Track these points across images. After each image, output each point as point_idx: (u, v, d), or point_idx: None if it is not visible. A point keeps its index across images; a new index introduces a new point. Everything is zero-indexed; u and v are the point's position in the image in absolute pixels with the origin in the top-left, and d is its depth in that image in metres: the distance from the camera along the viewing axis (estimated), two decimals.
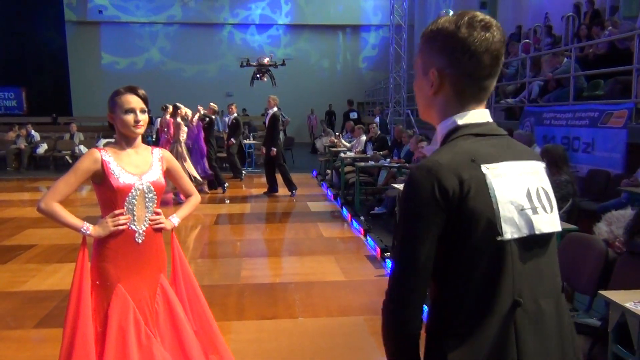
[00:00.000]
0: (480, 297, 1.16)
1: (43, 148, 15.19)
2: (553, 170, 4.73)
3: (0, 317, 4.29)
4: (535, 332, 1.17)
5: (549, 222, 1.22)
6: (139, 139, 2.50)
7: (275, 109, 9.97)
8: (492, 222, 1.14)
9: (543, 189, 1.24)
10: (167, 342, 2.49)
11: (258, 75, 16.23)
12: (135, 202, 2.40)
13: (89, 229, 2.37)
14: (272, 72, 16.50)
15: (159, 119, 11.86)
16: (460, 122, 1.24)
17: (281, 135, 11.98)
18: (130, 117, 2.37)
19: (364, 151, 10.29)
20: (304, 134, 22.21)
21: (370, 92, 21.62)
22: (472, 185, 1.14)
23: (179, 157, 9.51)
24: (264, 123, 10.64)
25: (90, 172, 2.37)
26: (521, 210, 1.18)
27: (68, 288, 4.86)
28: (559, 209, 4.63)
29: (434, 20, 1.28)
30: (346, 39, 23.67)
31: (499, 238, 1.15)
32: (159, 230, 2.53)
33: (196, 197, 2.78)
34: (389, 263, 5.62)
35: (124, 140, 2.45)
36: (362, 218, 7.57)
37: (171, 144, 9.74)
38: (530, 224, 1.18)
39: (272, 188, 10.16)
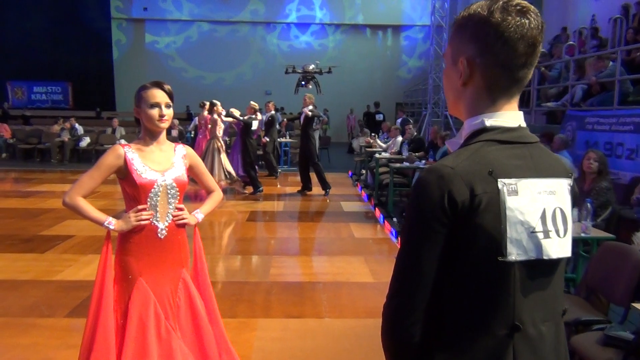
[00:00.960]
0: (477, 315, 1.11)
1: (86, 141, 15.59)
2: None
3: (35, 304, 4.41)
4: (533, 357, 1.12)
5: (559, 247, 1.15)
6: (164, 134, 2.53)
7: (310, 107, 9.98)
8: (497, 241, 1.08)
9: (561, 210, 1.16)
10: (187, 337, 2.51)
11: (303, 83, 16.02)
12: (158, 199, 2.43)
13: (112, 223, 2.40)
14: (318, 79, 16.28)
15: (196, 117, 12.02)
16: (489, 123, 1.15)
17: (317, 134, 11.99)
18: (155, 111, 2.40)
19: (400, 152, 10.20)
20: (342, 133, 22.20)
21: (409, 93, 21.44)
22: (484, 200, 1.07)
23: (215, 152, 9.61)
24: (300, 121, 10.64)
25: (113, 168, 2.40)
26: (531, 233, 1.11)
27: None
28: (598, 216, 4.49)
29: (466, 8, 1.18)
30: (386, 39, 23.52)
31: (501, 259, 1.09)
32: (182, 225, 2.55)
33: (218, 193, 2.80)
34: None
35: (149, 134, 2.47)
36: (394, 219, 7.49)
37: (208, 140, 9.86)
38: (539, 248, 1.12)
39: (306, 187, 10.16)
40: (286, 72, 16.23)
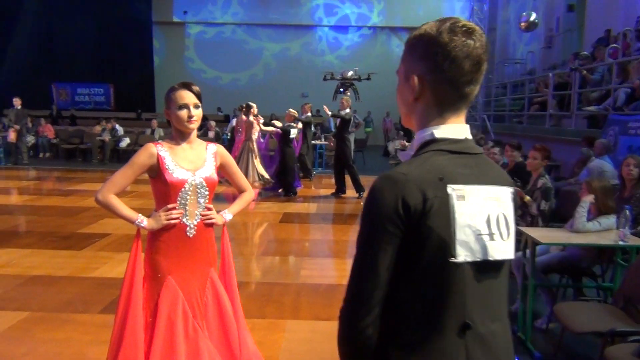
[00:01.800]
0: (430, 314, 1.16)
1: (125, 142, 15.94)
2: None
3: (70, 300, 4.52)
4: (485, 354, 1.18)
5: (503, 249, 1.22)
6: (194, 134, 2.54)
7: (347, 110, 9.96)
8: (447, 243, 1.14)
9: (504, 215, 1.23)
10: (214, 336, 2.52)
11: (342, 90, 15.79)
12: (188, 197, 2.44)
13: (143, 221, 2.42)
14: (357, 86, 16.05)
15: (234, 119, 12.15)
16: (438, 134, 1.23)
17: (352, 137, 11.94)
18: (183, 113, 2.42)
19: None
20: (379, 136, 22.09)
21: None
22: (435, 204, 1.14)
23: (250, 153, 9.67)
24: (336, 124, 10.63)
25: (146, 166, 2.43)
26: (478, 235, 1.18)
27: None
28: (638, 223, 4.33)
29: (417, 29, 1.27)
30: None
31: (452, 260, 1.15)
32: (210, 225, 2.56)
33: (249, 193, 2.80)
34: None
35: (179, 135, 2.50)
36: None
37: (243, 141, 9.94)
38: (485, 249, 1.18)
39: (340, 189, 10.15)
40: (324, 79, 16.11)
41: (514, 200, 1.28)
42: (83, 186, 11.02)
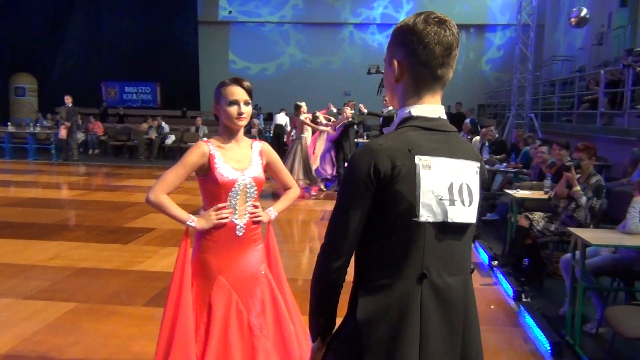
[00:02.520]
0: (394, 265, 1.37)
1: (171, 139, 16.23)
2: None
3: (116, 293, 4.62)
4: (440, 301, 1.38)
5: (463, 214, 1.40)
6: (241, 131, 2.51)
7: (390, 108, 9.87)
8: (412, 205, 1.34)
9: (467, 185, 1.42)
10: (271, 335, 2.48)
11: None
12: (238, 197, 2.42)
13: (194, 221, 2.39)
14: None
15: (276, 116, 12.21)
16: (414, 112, 1.42)
17: None
18: (233, 109, 2.38)
19: (480, 154, 9.88)
20: None
21: (492, 94, 20.78)
22: (403, 171, 1.33)
23: (298, 152, 9.68)
24: (379, 123, 10.55)
25: (198, 165, 2.39)
26: (439, 200, 1.36)
27: None
28: None
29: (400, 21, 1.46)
30: (470, 39, 22.92)
31: (414, 219, 1.34)
32: (257, 222, 2.53)
33: (295, 191, 2.76)
34: (496, 272, 5.34)
35: (227, 132, 2.46)
36: None
37: (292, 140, 9.99)
38: (445, 212, 1.37)
39: None
40: (368, 73, 15.99)
41: (481, 174, 1.47)
42: (130, 182, 11.28)
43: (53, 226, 7.02)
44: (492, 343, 3.94)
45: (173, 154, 16.08)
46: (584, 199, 4.63)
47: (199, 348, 2.34)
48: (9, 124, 16.56)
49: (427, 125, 1.40)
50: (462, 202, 1.40)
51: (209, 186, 2.42)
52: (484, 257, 5.91)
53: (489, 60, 22.71)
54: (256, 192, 2.49)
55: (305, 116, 9.98)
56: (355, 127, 12.27)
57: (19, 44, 20.72)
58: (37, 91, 21.24)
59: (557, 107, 12.91)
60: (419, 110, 1.42)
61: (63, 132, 14.59)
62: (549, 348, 3.68)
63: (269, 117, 19.90)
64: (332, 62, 22.99)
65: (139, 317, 4.14)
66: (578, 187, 4.65)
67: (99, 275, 5.04)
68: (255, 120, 15.92)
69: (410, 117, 1.42)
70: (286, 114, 15.30)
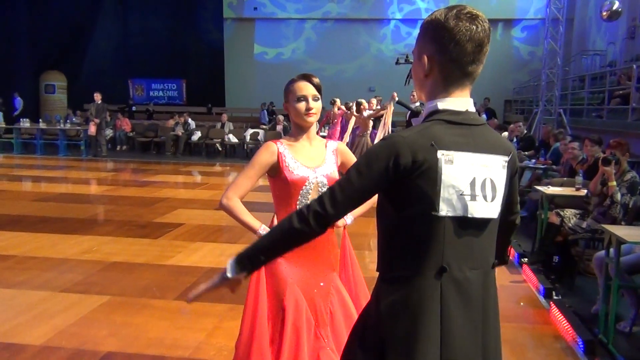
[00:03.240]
0: (413, 256, 1.38)
1: (197, 135, 16.37)
2: None
3: (147, 286, 4.69)
4: (459, 295, 1.38)
5: (485, 209, 1.40)
6: (314, 130, 2.42)
7: (417, 104, 9.82)
8: (432, 199, 1.35)
9: (492, 180, 1.42)
10: (340, 347, 2.30)
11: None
12: (309, 196, 2.32)
13: (266, 230, 2.27)
14: None
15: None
16: (441, 106, 1.42)
17: None
18: (302, 105, 2.30)
19: None
20: None
21: (519, 89, 20.52)
22: (424, 166, 1.34)
23: (364, 148, 9.68)
24: (406, 117, 10.51)
25: (268, 165, 2.32)
26: (460, 195, 1.37)
27: (208, 266, 5.18)
28: None
29: (430, 14, 1.43)
30: (497, 34, 22.63)
31: (434, 213, 1.35)
32: (332, 226, 2.36)
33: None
34: (525, 269, 5.29)
35: (298, 129, 2.39)
36: None
37: (359, 137, 9.97)
38: (465, 207, 1.38)
39: None
40: (397, 63, 15.82)
41: (509, 167, 1.46)
42: (157, 177, 11.42)
43: (85, 221, 7.15)
44: (522, 340, 3.92)
45: (199, 150, 16.24)
46: (619, 195, 4.55)
47: (273, 350, 2.27)
48: (40, 120, 16.91)
49: (453, 119, 1.40)
50: (485, 197, 1.40)
51: (280, 186, 2.33)
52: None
53: (517, 55, 22.40)
54: None
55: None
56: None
57: (49, 43, 21.09)
58: (66, 89, 21.61)
59: (586, 102, 12.69)
60: (446, 104, 1.42)
61: (92, 129, 14.83)
62: (581, 346, 3.64)
63: None
64: (364, 63, 22.90)
65: (170, 311, 4.20)
66: (614, 183, 4.57)
67: (130, 269, 5.13)
68: (280, 117, 15.96)
69: (437, 111, 1.42)
70: None
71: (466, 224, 1.39)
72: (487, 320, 1.44)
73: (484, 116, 15.67)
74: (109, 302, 4.32)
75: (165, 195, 9.14)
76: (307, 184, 2.31)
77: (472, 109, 1.44)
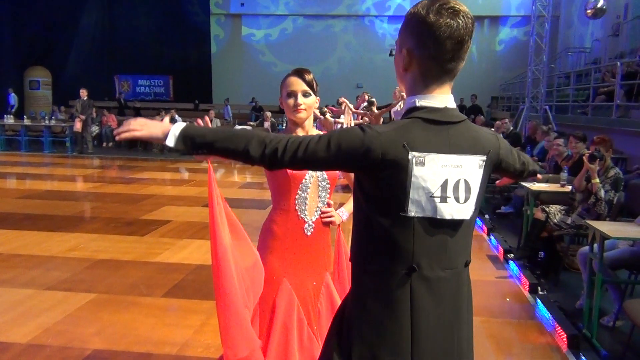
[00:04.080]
0: (384, 253, 1.39)
1: None
2: None
3: (134, 284, 4.67)
4: (430, 294, 1.38)
5: (456, 210, 1.39)
6: (309, 124, 2.36)
7: (401, 102, 9.83)
8: (402, 200, 1.35)
9: (465, 181, 1.40)
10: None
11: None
12: (309, 190, 2.29)
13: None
14: None
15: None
16: (419, 103, 1.40)
17: None
18: (291, 101, 2.27)
19: None
20: None
21: (505, 86, 20.64)
22: (394, 165, 1.33)
23: None
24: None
25: None
26: (430, 197, 1.36)
27: (195, 263, 5.17)
28: None
29: (416, 4, 1.39)
30: (483, 31, 22.75)
31: (402, 214, 1.35)
32: (328, 224, 2.37)
33: None
34: (512, 265, 5.34)
35: (292, 125, 2.35)
36: (486, 216, 7.25)
37: None
38: (435, 209, 1.37)
39: None
40: (390, 55, 15.84)
41: (487, 165, 1.44)
42: (144, 174, 11.35)
43: (71, 218, 7.10)
44: (507, 335, 3.95)
45: None
46: (602, 192, 4.61)
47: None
48: (24, 117, 16.72)
49: (431, 117, 1.37)
50: (457, 198, 1.38)
51: (279, 180, 2.28)
52: (497, 249, 5.90)
53: (503, 52, 22.54)
54: (329, 186, 2.35)
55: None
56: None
57: (33, 38, 20.90)
58: (51, 84, 21.41)
59: (572, 99, 12.81)
60: (424, 100, 1.39)
61: (78, 125, 14.70)
62: (565, 341, 3.69)
63: (281, 111, 19.91)
64: (346, 55, 22.90)
65: (157, 308, 4.19)
66: (597, 180, 4.63)
67: (117, 267, 5.11)
68: (268, 113, 15.93)
69: (415, 108, 1.40)
70: None
71: (437, 225, 1.38)
72: (459, 318, 1.45)
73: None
74: (95, 299, 4.30)
75: (152, 192, 9.09)
76: (306, 177, 2.28)
77: (452, 105, 1.41)
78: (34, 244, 5.79)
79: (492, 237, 6.34)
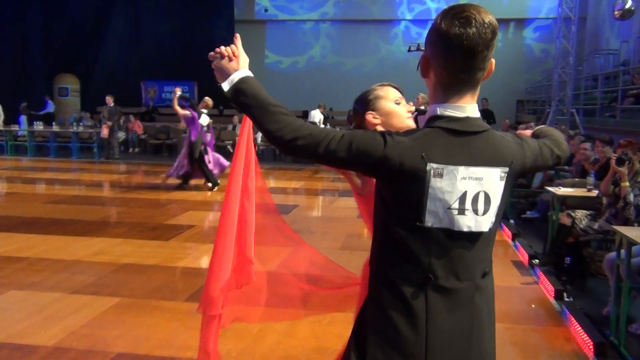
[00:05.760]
0: (401, 261, 1.39)
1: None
2: None
3: (158, 288, 4.72)
4: (446, 304, 1.37)
5: (474, 223, 1.37)
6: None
7: (422, 107, 9.76)
8: (419, 210, 1.34)
9: (485, 193, 1.37)
10: None
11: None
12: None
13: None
14: None
15: (313, 112, 12.13)
16: (439, 112, 1.38)
17: None
18: (402, 107, 1.93)
19: None
20: None
21: (531, 89, 20.38)
22: (412, 175, 1.32)
23: None
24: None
25: None
26: (447, 209, 1.34)
27: None
28: None
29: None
30: (509, 33, 22.50)
31: (419, 224, 1.35)
32: None
33: None
34: (537, 270, 5.25)
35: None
36: (511, 221, 7.16)
37: None
38: (452, 221, 1.35)
39: None
40: (409, 50, 15.73)
41: (509, 177, 1.40)
42: (169, 180, 11.47)
43: (96, 223, 7.21)
44: (533, 342, 3.89)
45: None
46: (632, 196, 4.51)
47: None
48: (53, 123, 17.07)
49: (452, 127, 1.35)
50: (475, 211, 1.36)
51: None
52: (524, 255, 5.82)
53: (529, 55, 22.26)
54: None
55: None
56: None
57: (62, 46, 21.30)
58: (79, 91, 21.79)
59: (599, 102, 12.58)
60: (445, 109, 1.37)
61: (105, 132, 14.94)
62: (592, 348, 3.61)
63: (304, 115, 20.00)
64: (367, 60, 22.88)
65: (180, 312, 4.22)
66: (627, 183, 4.53)
67: (141, 271, 5.17)
68: None
69: (436, 117, 1.38)
70: (322, 111, 15.28)
71: (454, 236, 1.37)
72: (480, 328, 1.43)
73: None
74: (119, 303, 4.35)
75: (177, 197, 9.19)
76: None
77: (475, 114, 1.38)
78: (61, 248, 5.89)
79: (517, 242, 6.25)
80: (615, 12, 11.54)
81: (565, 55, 14.04)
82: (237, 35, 1.67)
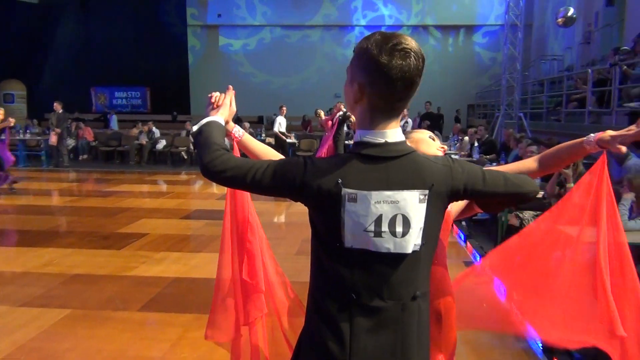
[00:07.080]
0: (327, 280, 1.45)
1: (162, 144, 16.18)
2: None
3: (110, 298, 4.62)
4: (369, 321, 1.41)
5: (393, 245, 1.39)
6: None
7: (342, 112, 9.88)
8: (337, 232, 1.39)
9: (403, 216, 1.39)
10: None
11: None
12: None
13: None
14: None
15: (276, 120, 11.99)
16: (362, 138, 1.42)
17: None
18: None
19: (470, 154, 9.96)
20: None
21: (481, 94, 20.91)
22: (329, 198, 1.38)
23: None
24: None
25: None
26: (363, 231, 1.38)
27: (173, 275, 5.14)
28: None
29: (368, 36, 1.41)
30: (459, 40, 23.07)
31: (339, 245, 1.40)
32: None
33: None
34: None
35: None
36: (463, 223, 7.32)
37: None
38: (369, 242, 1.39)
39: None
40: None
41: (430, 198, 1.41)
42: (121, 187, 11.24)
43: (45, 233, 7.00)
44: (485, 341, 3.99)
45: (164, 159, 16.04)
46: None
47: None
48: None
49: (370, 153, 1.40)
50: (393, 233, 1.39)
51: None
52: (474, 255, 5.96)
53: (478, 61, 22.84)
54: None
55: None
56: (346, 127, 12.32)
57: (7, 51, 20.62)
58: (26, 97, 21.14)
59: (545, 106, 13.02)
60: (367, 136, 1.41)
61: (53, 139, 14.50)
62: (540, 346, 3.73)
63: (260, 120, 19.96)
64: (319, 66, 23.01)
65: (133, 322, 4.15)
66: (572, 184, 4.71)
67: (93, 281, 5.05)
68: (247, 124, 15.92)
69: (358, 143, 1.43)
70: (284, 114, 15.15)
71: (375, 257, 1.41)
72: (410, 349, 1.44)
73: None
74: (70, 315, 4.24)
75: (129, 205, 9.01)
76: None
77: (395, 139, 1.41)
78: (8, 260, 5.71)
79: (468, 244, 6.40)
80: (559, 20, 11.98)
81: (513, 61, 14.47)
82: (230, 87, 1.78)
